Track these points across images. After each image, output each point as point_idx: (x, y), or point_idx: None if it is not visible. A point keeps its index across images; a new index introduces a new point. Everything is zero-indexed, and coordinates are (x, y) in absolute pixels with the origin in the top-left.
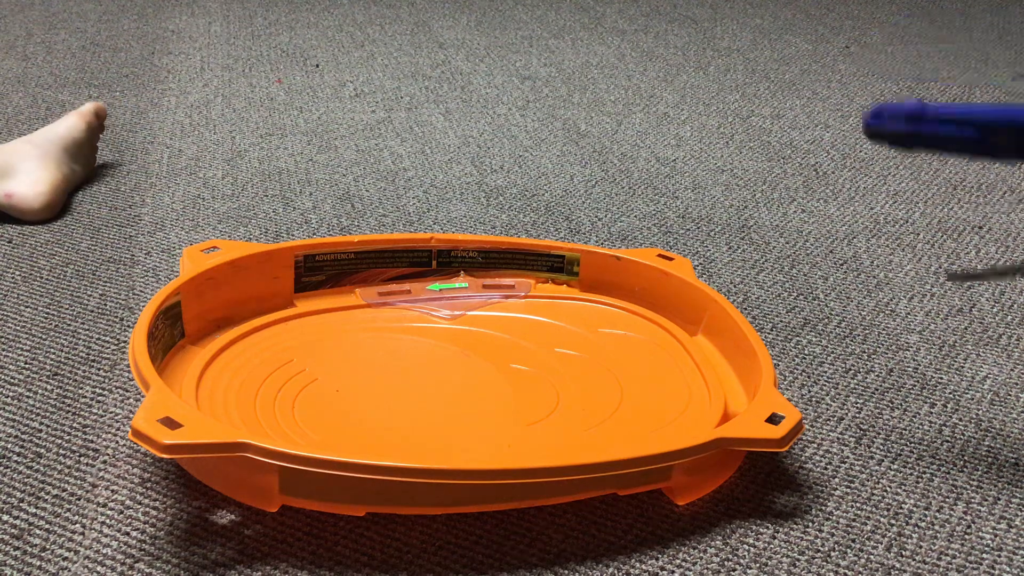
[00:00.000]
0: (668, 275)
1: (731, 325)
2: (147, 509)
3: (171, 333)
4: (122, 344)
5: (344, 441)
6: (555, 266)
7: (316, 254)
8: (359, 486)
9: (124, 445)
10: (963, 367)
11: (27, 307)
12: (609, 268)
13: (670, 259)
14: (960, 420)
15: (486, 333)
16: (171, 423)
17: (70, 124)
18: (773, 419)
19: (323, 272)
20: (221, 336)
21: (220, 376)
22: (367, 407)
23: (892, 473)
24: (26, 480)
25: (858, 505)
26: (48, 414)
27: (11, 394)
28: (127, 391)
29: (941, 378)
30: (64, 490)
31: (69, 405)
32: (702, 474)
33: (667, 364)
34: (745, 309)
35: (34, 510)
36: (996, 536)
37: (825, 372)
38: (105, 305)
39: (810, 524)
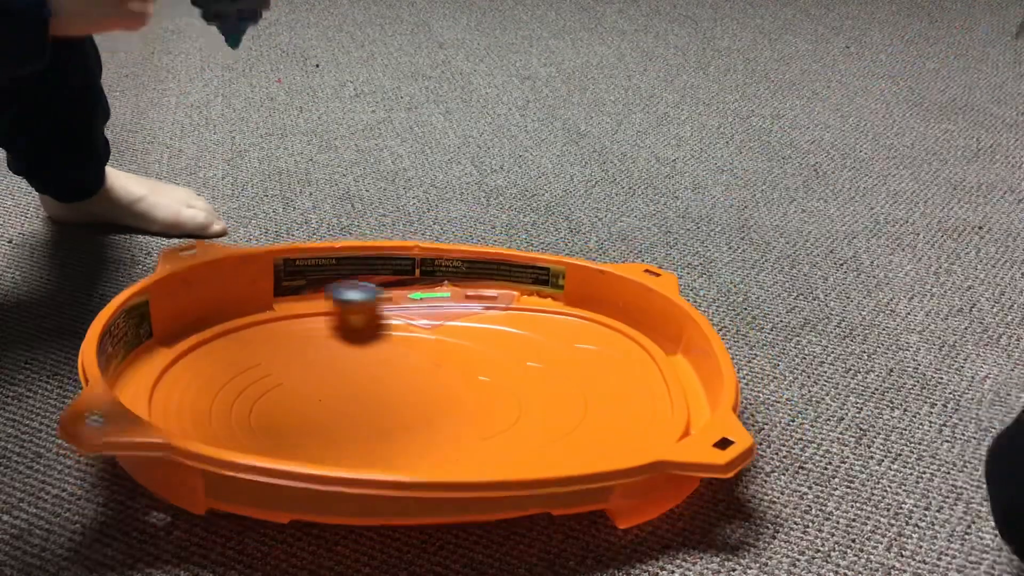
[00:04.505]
0: (651, 291)
1: (705, 344)
2: (147, 509)
3: (136, 332)
4: None
5: (291, 447)
6: (540, 278)
7: (296, 259)
8: (281, 492)
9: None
10: (963, 367)
11: (27, 307)
12: (594, 282)
13: (657, 275)
14: (960, 420)
15: (461, 344)
16: (97, 420)
17: (198, 221)
18: (722, 444)
19: (304, 277)
20: (190, 338)
21: (181, 377)
22: (325, 414)
23: (892, 473)
24: (26, 480)
25: (858, 505)
26: (48, 414)
27: (11, 394)
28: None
29: (941, 378)
30: (64, 490)
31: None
32: (645, 497)
33: (636, 383)
34: (745, 309)
35: (34, 510)
36: (996, 536)
37: (825, 372)
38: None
39: (810, 524)
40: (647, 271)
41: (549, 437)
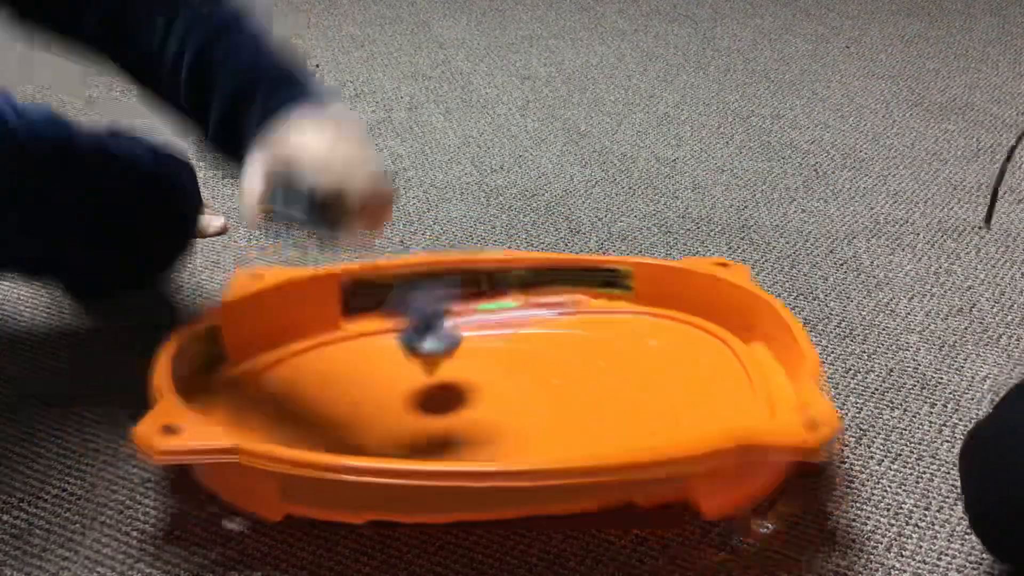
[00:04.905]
0: (721, 281)
1: (784, 329)
2: (147, 509)
3: (208, 354)
4: (122, 344)
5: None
6: (608, 280)
7: (363, 278)
8: (357, 492)
9: (124, 445)
10: (963, 367)
11: (27, 307)
12: (662, 278)
13: (727, 266)
14: (960, 420)
15: (532, 350)
16: (170, 429)
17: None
18: (808, 426)
19: (372, 296)
20: (262, 357)
21: (252, 398)
22: (396, 428)
23: (892, 473)
24: (26, 480)
25: (858, 505)
26: (48, 414)
27: (11, 394)
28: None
29: (941, 378)
30: (64, 490)
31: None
32: (730, 483)
33: (715, 374)
34: None
35: (34, 510)
36: None
37: (825, 372)
38: (105, 304)
39: (810, 524)
40: (717, 263)
41: (630, 433)
